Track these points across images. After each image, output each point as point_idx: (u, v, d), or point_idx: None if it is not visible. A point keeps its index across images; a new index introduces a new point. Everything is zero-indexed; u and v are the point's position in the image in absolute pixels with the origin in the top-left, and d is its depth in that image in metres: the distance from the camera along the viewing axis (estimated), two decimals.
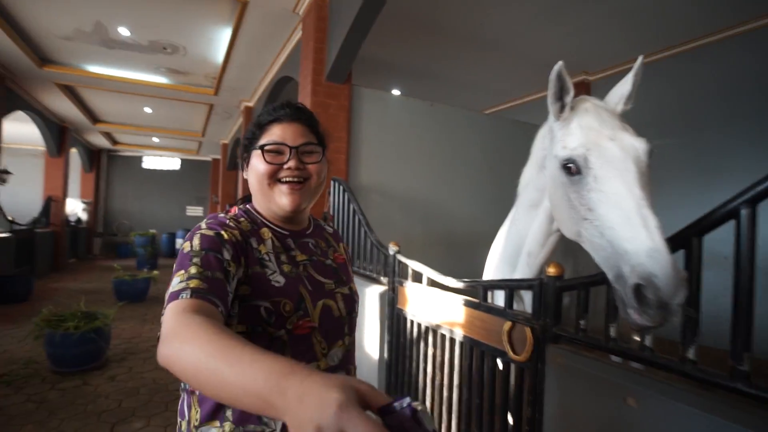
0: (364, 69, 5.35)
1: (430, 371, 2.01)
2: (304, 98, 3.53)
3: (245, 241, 0.83)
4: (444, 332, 1.91)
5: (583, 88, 5.47)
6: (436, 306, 1.96)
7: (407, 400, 0.38)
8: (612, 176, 1.05)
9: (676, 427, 1.03)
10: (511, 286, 1.54)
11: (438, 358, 1.96)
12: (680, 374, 1.08)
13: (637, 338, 1.18)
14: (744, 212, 0.97)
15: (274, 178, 0.87)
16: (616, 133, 1.11)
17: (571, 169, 1.14)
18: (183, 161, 13.76)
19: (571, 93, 1.23)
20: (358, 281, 2.74)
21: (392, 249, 2.39)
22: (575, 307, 1.34)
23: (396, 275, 2.34)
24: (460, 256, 4.53)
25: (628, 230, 0.97)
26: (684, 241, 1.08)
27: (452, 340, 1.86)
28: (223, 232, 0.79)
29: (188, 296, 0.65)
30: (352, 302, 0.96)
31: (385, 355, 2.40)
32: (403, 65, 5.48)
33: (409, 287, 2.20)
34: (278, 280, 0.83)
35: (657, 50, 4.70)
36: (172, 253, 12.25)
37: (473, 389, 1.72)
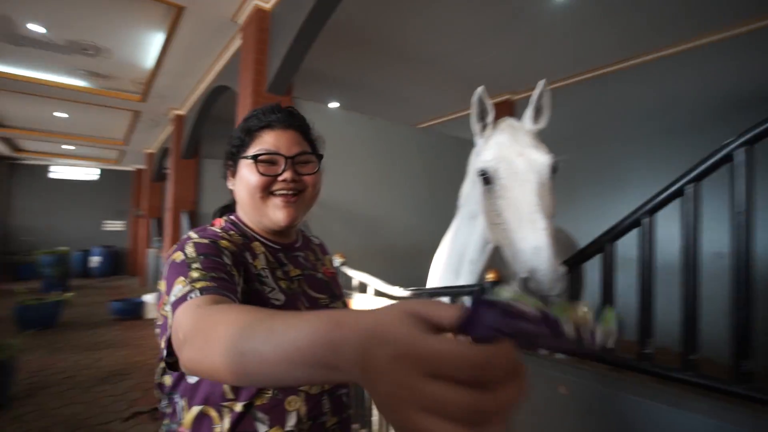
0: (304, 81, 5.36)
1: None
2: (244, 109, 3.47)
3: (241, 254, 0.76)
4: None
5: (508, 107, 5.95)
6: None
7: (480, 296, 0.31)
8: (515, 185, 1.21)
9: (598, 405, 1.18)
10: (453, 293, 1.65)
11: None
12: (599, 361, 1.25)
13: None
14: (645, 221, 1.16)
15: (267, 191, 0.80)
16: (524, 149, 1.27)
17: (486, 179, 1.30)
18: (102, 171, 12.60)
19: (492, 114, 1.41)
20: None
21: (337, 261, 2.42)
22: None
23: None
24: (400, 266, 4.66)
25: (521, 231, 1.13)
26: (600, 247, 1.25)
27: None
28: (219, 241, 0.74)
29: (198, 295, 0.60)
30: None
31: None
32: (341, 78, 5.58)
33: (356, 299, 2.25)
34: (278, 297, 0.77)
35: (571, 75, 5.27)
36: (86, 272, 11.10)
37: None
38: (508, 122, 1.39)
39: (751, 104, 3.74)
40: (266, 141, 0.81)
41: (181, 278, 0.64)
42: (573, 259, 1.33)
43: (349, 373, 0.31)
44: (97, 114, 7.13)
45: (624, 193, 4.55)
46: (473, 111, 1.42)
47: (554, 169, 1.25)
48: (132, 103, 6.47)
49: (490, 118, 1.41)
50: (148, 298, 6.42)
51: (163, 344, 0.61)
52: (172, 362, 0.59)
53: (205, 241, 0.72)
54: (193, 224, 6.31)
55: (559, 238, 2.56)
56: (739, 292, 0.98)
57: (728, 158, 1.02)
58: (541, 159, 1.25)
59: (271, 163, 0.80)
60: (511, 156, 1.26)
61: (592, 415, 1.20)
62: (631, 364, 1.15)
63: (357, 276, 2.24)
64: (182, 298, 0.59)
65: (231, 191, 0.88)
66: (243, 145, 0.83)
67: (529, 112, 1.39)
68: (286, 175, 0.79)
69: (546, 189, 1.21)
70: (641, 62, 4.63)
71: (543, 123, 1.40)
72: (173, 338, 0.56)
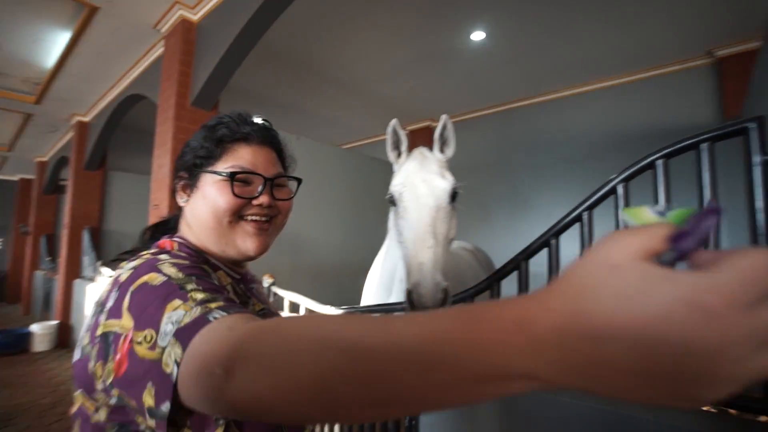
0: (230, 96, 5.21)
1: None
2: (166, 121, 3.29)
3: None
4: None
5: (429, 133, 6.35)
6: None
7: (711, 207, 0.26)
8: (414, 208, 1.34)
9: (515, 403, 1.32)
10: (386, 310, 1.73)
11: None
12: None
13: None
14: (552, 242, 1.35)
15: (237, 215, 0.68)
16: (428, 176, 1.41)
17: (393, 201, 1.43)
18: None
19: (405, 143, 1.55)
20: None
21: (267, 281, 2.38)
22: None
23: None
24: (328, 285, 4.66)
25: (413, 249, 1.26)
26: (516, 265, 1.42)
27: None
28: (202, 266, 0.64)
29: (223, 314, 0.47)
30: None
31: None
32: (268, 96, 5.53)
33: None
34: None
35: (485, 107, 5.81)
36: None
37: None
38: (419, 151, 1.53)
39: (631, 140, 4.45)
40: (242, 157, 0.70)
41: (178, 301, 0.50)
42: (494, 276, 1.48)
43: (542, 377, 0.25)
44: None
45: (531, 216, 5.07)
46: (388, 140, 1.56)
47: (454, 195, 1.39)
48: (23, 105, 5.72)
49: (403, 146, 1.55)
50: (36, 328, 5.59)
51: (154, 394, 0.45)
52: (173, 415, 0.44)
53: (185, 261, 0.61)
54: (97, 243, 5.69)
55: (478, 257, 2.80)
56: None
57: (612, 191, 1.24)
58: (441, 185, 1.38)
59: (246, 183, 0.70)
60: (416, 182, 1.39)
61: (510, 414, 1.34)
62: None
63: (288, 296, 2.22)
64: (198, 323, 0.45)
65: (178, 209, 0.76)
66: (211, 157, 0.70)
67: (436, 143, 1.53)
68: (263, 199, 0.69)
69: (444, 212, 1.34)
70: (544, 100, 5.27)
71: (450, 152, 1.55)
72: (191, 378, 0.41)
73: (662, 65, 4.32)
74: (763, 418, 1.02)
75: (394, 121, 1.55)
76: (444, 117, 1.51)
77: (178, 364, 0.44)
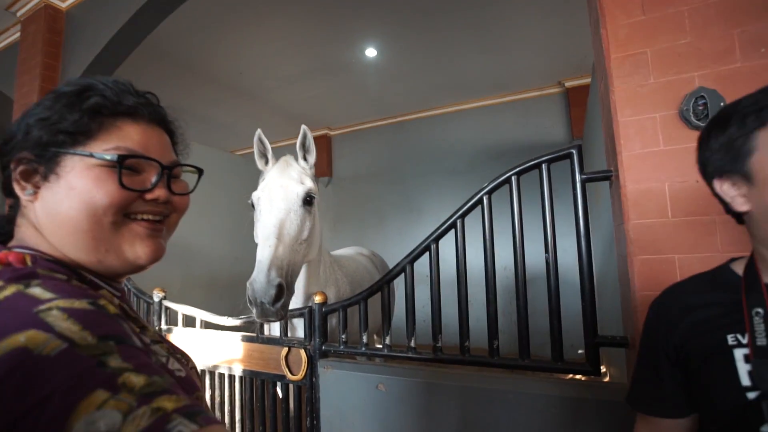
0: None
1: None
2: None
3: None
4: (222, 371, 1.95)
5: (325, 140, 6.48)
6: (212, 347, 1.99)
7: None
8: (266, 211, 1.47)
9: (408, 394, 1.49)
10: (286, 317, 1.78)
11: (218, 399, 1.97)
12: (407, 359, 1.58)
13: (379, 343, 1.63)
14: (433, 246, 1.55)
15: (122, 212, 0.52)
16: (286, 181, 1.53)
17: (253, 206, 1.56)
18: None
19: (270, 151, 1.67)
20: None
21: (157, 295, 2.24)
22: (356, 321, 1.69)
23: (164, 323, 2.20)
24: (222, 296, 4.46)
25: (258, 248, 1.40)
26: (402, 268, 1.60)
27: (231, 377, 1.93)
28: (103, 302, 0.44)
29: (192, 426, 0.34)
30: (199, 377, 0.65)
31: None
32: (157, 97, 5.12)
33: (180, 333, 2.12)
34: (178, 368, 0.54)
35: (378, 118, 6.13)
36: None
37: (256, 418, 1.84)
38: (284, 159, 1.65)
39: (504, 153, 5.11)
40: (129, 136, 0.53)
41: (102, 393, 0.33)
42: (384, 278, 1.64)
43: None
44: None
45: (422, 222, 5.49)
46: (255, 149, 1.68)
47: (308, 199, 1.53)
48: None
49: (269, 154, 1.67)
50: None
51: None
52: None
53: (87, 306, 0.41)
54: None
55: (375, 262, 2.98)
56: (488, 292, 1.43)
57: (480, 201, 1.49)
58: (295, 189, 1.51)
59: (136, 171, 0.53)
60: (273, 187, 1.51)
61: (404, 404, 1.50)
62: (428, 358, 1.51)
63: (181, 309, 2.12)
64: None
65: (11, 206, 0.55)
66: (81, 133, 0.51)
67: (298, 152, 1.65)
68: (159, 192, 0.54)
69: (296, 215, 1.47)
70: (431, 115, 5.77)
71: (312, 159, 1.68)
72: None
73: (525, 90, 5.08)
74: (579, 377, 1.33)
75: (258, 132, 1.66)
76: (303, 127, 1.63)
77: None
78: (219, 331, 2.01)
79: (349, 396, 1.62)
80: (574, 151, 1.35)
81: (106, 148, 0.51)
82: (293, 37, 3.89)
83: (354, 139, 6.41)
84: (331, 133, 6.54)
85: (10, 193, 0.53)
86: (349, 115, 6.04)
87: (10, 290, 0.40)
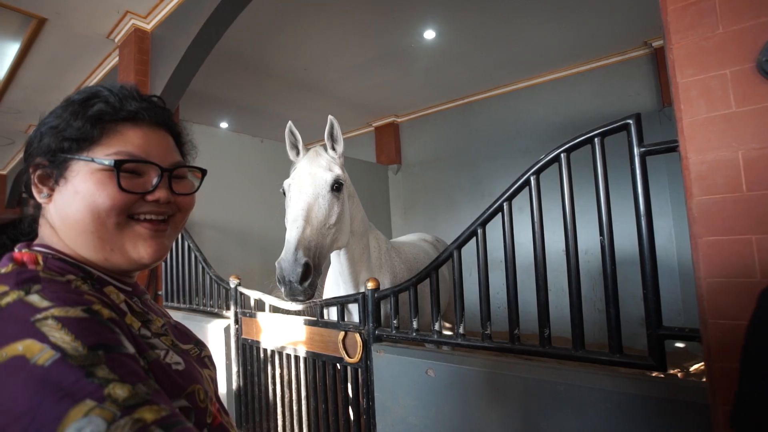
0: (190, 103, 5.21)
1: (279, 391, 2.16)
2: None
3: (122, 320, 0.51)
4: (289, 352, 2.10)
5: (393, 128, 6.49)
6: (280, 329, 2.15)
7: None
8: (296, 197, 1.55)
9: (458, 381, 1.48)
10: (341, 302, 1.86)
11: (285, 377, 2.13)
12: (456, 346, 1.56)
13: (442, 329, 1.63)
14: (479, 231, 1.50)
15: (126, 214, 0.55)
16: (314, 169, 1.60)
17: (284, 193, 1.64)
18: None
19: (300, 143, 1.75)
20: (199, 318, 2.70)
21: (233, 282, 2.47)
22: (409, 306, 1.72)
23: (239, 307, 2.43)
24: None
25: (288, 230, 1.47)
26: (450, 254, 1.57)
27: (296, 358, 2.07)
28: (97, 308, 0.47)
29: None
30: (213, 364, 0.71)
31: (234, 385, 2.43)
32: (229, 100, 5.55)
33: (252, 316, 2.33)
34: (176, 360, 0.56)
35: (443, 102, 5.98)
36: None
37: (319, 397, 1.96)
38: (314, 149, 1.72)
39: (580, 128, 4.67)
40: (129, 141, 0.56)
41: (90, 403, 0.37)
42: (431, 265, 1.63)
43: None
44: None
45: None
46: (287, 141, 1.77)
47: (336, 185, 1.59)
48: None
49: (300, 145, 1.76)
50: None
51: None
52: None
53: (80, 314, 0.44)
54: None
55: (438, 248, 2.95)
56: (538, 279, 1.35)
57: (527, 182, 1.40)
58: (323, 176, 1.58)
59: (137, 174, 0.56)
60: (303, 175, 1.59)
61: (453, 390, 1.49)
62: (478, 345, 1.47)
63: (252, 295, 2.32)
64: None
65: (36, 206, 0.60)
66: (85, 140, 0.55)
67: (327, 142, 1.71)
68: (160, 194, 0.57)
69: (324, 200, 1.54)
70: (498, 93, 5.48)
71: (340, 149, 1.73)
72: None
73: (604, 56, 4.58)
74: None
75: (288, 124, 1.75)
76: (330, 118, 1.68)
77: None
78: (285, 315, 2.16)
79: (401, 379, 1.65)
80: (631, 121, 1.21)
81: (107, 153, 0.54)
82: (351, 28, 3.94)
83: (421, 125, 6.34)
84: (398, 120, 6.54)
85: (32, 195, 0.57)
86: (414, 101, 5.99)
87: (12, 297, 0.44)
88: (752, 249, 0.93)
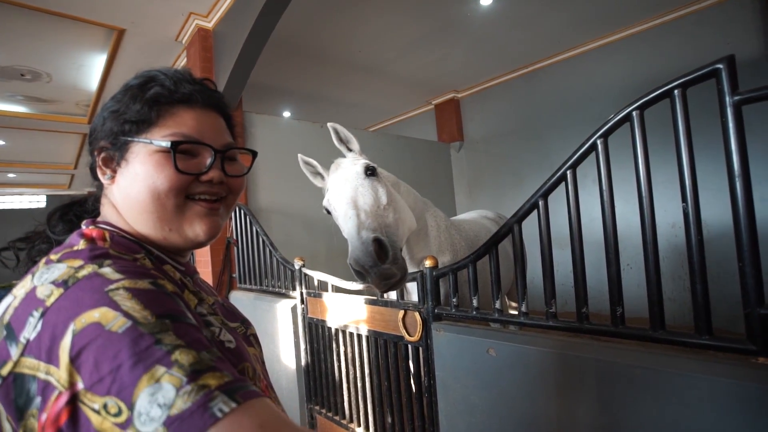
0: (253, 94, 5.45)
1: (344, 368, 2.23)
2: None
3: (181, 295, 0.53)
4: (351, 330, 2.15)
5: (453, 104, 6.27)
6: (343, 309, 2.21)
7: None
8: (338, 200, 1.50)
9: (520, 362, 1.41)
10: None
11: (349, 355, 2.20)
12: (520, 325, 1.48)
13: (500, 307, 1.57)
14: (540, 203, 1.39)
15: (183, 194, 0.58)
16: (342, 171, 1.59)
17: (328, 212, 1.63)
18: (48, 198, 12.04)
19: (319, 167, 1.77)
20: (269, 298, 2.86)
21: (297, 264, 2.57)
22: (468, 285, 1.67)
23: (304, 287, 2.53)
24: None
25: (344, 229, 1.43)
26: (509, 228, 1.48)
27: (359, 336, 2.12)
28: (162, 282, 0.50)
29: (233, 404, 0.38)
30: (258, 343, 0.73)
31: (302, 362, 2.56)
32: (290, 89, 5.70)
33: (317, 296, 2.41)
34: (229, 339, 0.58)
35: (506, 72, 5.63)
36: None
37: (381, 375, 1.99)
38: (335, 163, 1.70)
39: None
40: (184, 122, 0.58)
41: (161, 369, 0.39)
42: (491, 240, 1.55)
43: None
44: (41, 139, 6.91)
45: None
46: (307, 173, 1.83)
47: (368, 171, 1.55)
48: (78, 126, 6.32)
49: (320, 169, 1.77)
50: None
51: None
52: None
53: (147, 286, 0.47)
54: None
55: (500, 225, 2.82)
56: (608, 252, 1.23)
57: (593, 147, 1.27)
58: (353, 170, 1.55)
59: (192, 155, 0.59)
60: (335, 181, 1.57)
61: (515, 370, 1.43)
62: (541, 324, 1.39)
63: (317, 276, 2.40)
64: (200, 418, 0.36)
65: (98, 186, 0.64)
66: (143, 122, 0.57)
67: (341, 147, 1.71)
68: (213, 174, 0.59)
69: (365, 187, 1.50)
70: (566, 57, 5.03)
71: (356, 147, 1.72)
72: None
73: (694, 1, 3.99)
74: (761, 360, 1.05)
75: (299, 156, 1.83)
76: (330, 125, 1.67)
77: None
78: (348, 295, 2.21)
79: (461, 358, 1.61)
80: (721, 66, 1.03)
81: (164, 134, 0.57)
82: (403, 3, 3.83)
83: (483, 99, 6.05)
84: (459, 95, 6.30)
85: (96, 177, 0.62)
86: (474, 74, 5.70)
87: (88, 270, 0.47)
88: None
